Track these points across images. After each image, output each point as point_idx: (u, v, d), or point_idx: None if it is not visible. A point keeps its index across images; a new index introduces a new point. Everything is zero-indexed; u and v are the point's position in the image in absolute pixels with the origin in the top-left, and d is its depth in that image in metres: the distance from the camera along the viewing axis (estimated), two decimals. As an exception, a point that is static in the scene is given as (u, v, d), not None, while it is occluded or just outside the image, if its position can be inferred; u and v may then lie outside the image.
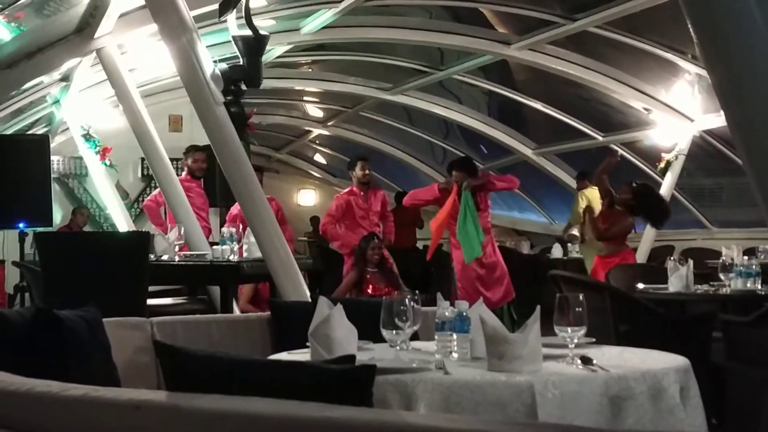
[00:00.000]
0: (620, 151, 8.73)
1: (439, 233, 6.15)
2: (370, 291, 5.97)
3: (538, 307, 2.29)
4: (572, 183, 9.78)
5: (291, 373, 1.53)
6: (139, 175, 9.69)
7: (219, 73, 4.32)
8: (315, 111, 12.03)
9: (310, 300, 3.87)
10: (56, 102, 7.58)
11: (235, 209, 6.24)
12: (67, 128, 7.90)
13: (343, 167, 14.33)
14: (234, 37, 4.56)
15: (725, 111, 2.41)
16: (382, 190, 7.09)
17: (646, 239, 7.86)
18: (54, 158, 8.00)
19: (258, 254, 4.53)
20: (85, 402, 1.53)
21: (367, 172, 6.67)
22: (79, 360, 2.30)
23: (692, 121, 7.83)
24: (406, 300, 2.21)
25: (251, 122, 4.73)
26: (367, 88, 9.86)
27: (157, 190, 6.28)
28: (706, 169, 8.59)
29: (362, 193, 6.66)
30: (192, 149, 6.65)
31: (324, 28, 7.21)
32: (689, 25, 2.28)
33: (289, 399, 1.37)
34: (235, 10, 4.44)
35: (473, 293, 5.65)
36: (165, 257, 4.80)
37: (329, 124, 12.04)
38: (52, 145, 6.95)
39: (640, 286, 4.33)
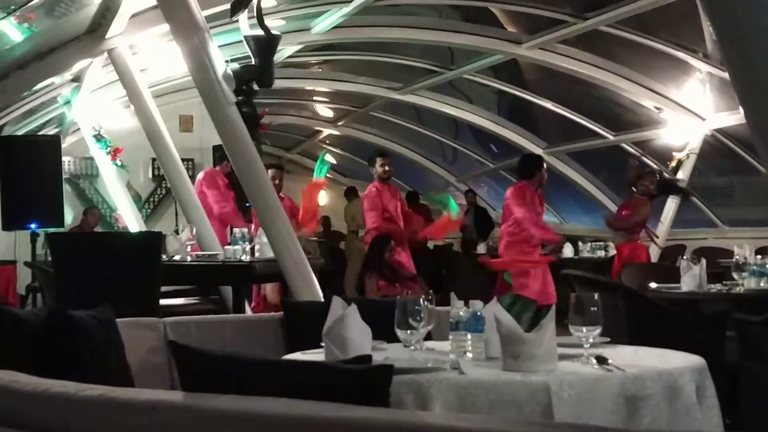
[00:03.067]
0: (630, 149, 8.74)
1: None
2: (383, 289, 5.96)
3: (553, 306, 2.28)
4: (584, 182, 9.76)
5: (308, 374, 1.53)
6: (150, 175, 9.72)
7: (231, 73, 4.33)
8: (325, 111, 12.04)
9: (322, 300, 3.87)
10: (67, 103, 7.61)
11: None
12: (78, 129, 7.93)
13: (353, 167, 14.35)
14: (246, 37, 4.57)
15: (744, 107, 2.39)
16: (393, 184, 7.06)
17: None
18: (65, 159, 8.04)
19: (270, 254, 4.53)
20: (101, 403, 1.53)
21: (387, 168, 6.57)
22: (92, 360, 2.30)
23: (704, 119, 7.78)
24: (421, 300, 2.20)
25: (262, 122, 4.73)
26: (377, 88, 9.86)
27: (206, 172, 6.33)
28: (717, 168, 8.54)
29: (387, 187, 6.61)
30: None
31: (334, 27, 7.21)
32: (707, 20, 2.27)
33: (306, 399, 1.37)
34: (246, 10, 4.44)
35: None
36: (177, 257, 4.81)
37: (339, 124, 12.04)
38: (63, 146, 6.98)
39: (653, 285, 4.30)
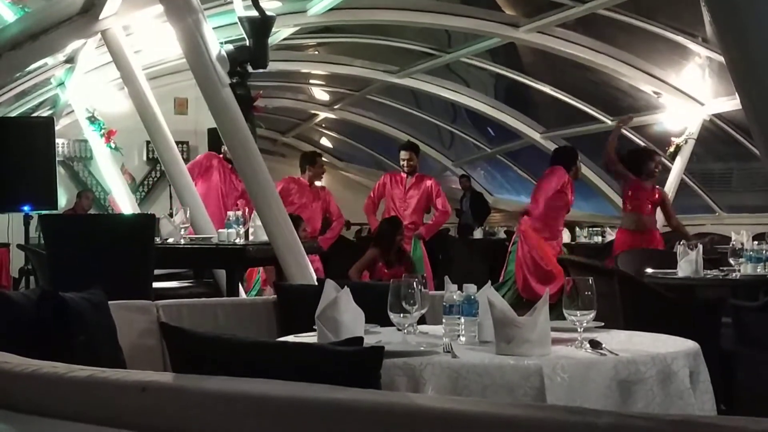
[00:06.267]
0: (628, 134, 8.69)
1: None
2: (386, 271, 5.99)
3: (547, 290, 2.27)
4: (581, 167, 9.72)
5: (299, 355, 1.51)
6: (145, 158, 9.68)
7: (225, 54, 4.29)
8: (321, 94, 11.98)
9: (316, 283, 3.85)
10: (61, 84, 7.54)
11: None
12: (72, 111, 7.87)
13: (349, 151, 14.29)
14: (240, 18, 4.53)
15: (739, 92, 2.37)
16: (430, 180, 6.91)
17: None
18: (59, 141, 7.99)
19: (264, 237, 4.51)
20: (90, 383, 1.52)
21: (404, 162, 6.75)
22: (84, 342, 2.29)
23: (702, 105, 7.76)
24: (414, 283, 2.19)
25: (257, 104, 4.70)
26: (374, 71, 9.80)
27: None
28: (715, 153, 8.53)
29: (405, 176, 6.76)
30: None
31: (330, 9, 7.15)
32: (704, 5, 2.24)
33: (297, 381, 1.35)
34: (241, -10, 4.40)
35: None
36: (170, 240, 4.79)
37: (335, 107, 11.99)
38: (56, 128, 6.93)
39: (649, 270, 4.30)
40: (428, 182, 6.85)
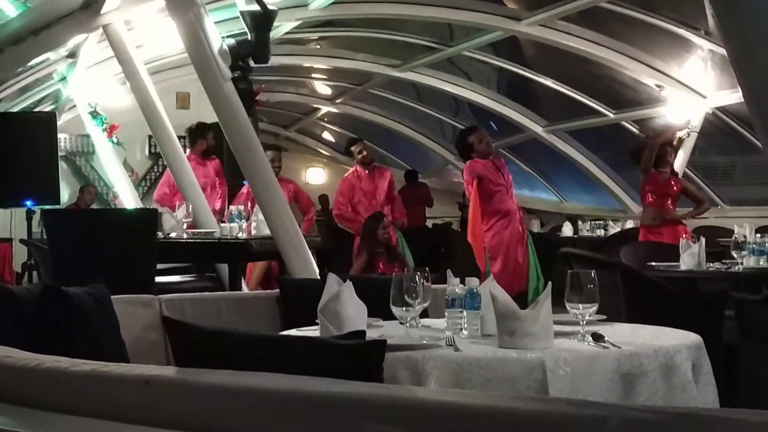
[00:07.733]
0: (633, 129, 8.67)
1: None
2: (380, 270, 5.96)
3: (549, 284, 2.27)
4: (584, 161, 9.73)
5: (301, 349, 1.52)
6: (147, 153, 9.68)
7: (227, 48, 4.29)
8: (323, 88, 11.97)
9: (319, 277, 3.86)
10: (63, 79, 7.55)
11: (244, 189, 6.21)
12: (74, 106, 7.88)
13: (351, 145, 14.25)
14: (242, 12, 4.53)
15: (741, 85, 2.37)
16: (389, 170, 6.97)
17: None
18: (61, 136, 7.98)
19: (266, 232, 4.51)
20: (93, 377, 1.52)
21: (365, 153, 6.63)
22: (87, 336, 2.29)
23: (705, 97, 7.74)
24: (416, 277, 2.19)
25: (259, 99, 4.70)
26: (376, 65, 9.79)
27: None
28: (718, 146, 8.51)
29: (366, 173, 6.65)
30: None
31: (332, 3, 7.14)
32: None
33: (300, 375, 1.36)
34: (242, -16, 4.39)
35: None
36: (173, 235, 4.80)
37: (338, 101, 11.98)
38: (59, 123, 6.93)
39: (652, 263, 4.29)
40: (387, 173, 6.77)
